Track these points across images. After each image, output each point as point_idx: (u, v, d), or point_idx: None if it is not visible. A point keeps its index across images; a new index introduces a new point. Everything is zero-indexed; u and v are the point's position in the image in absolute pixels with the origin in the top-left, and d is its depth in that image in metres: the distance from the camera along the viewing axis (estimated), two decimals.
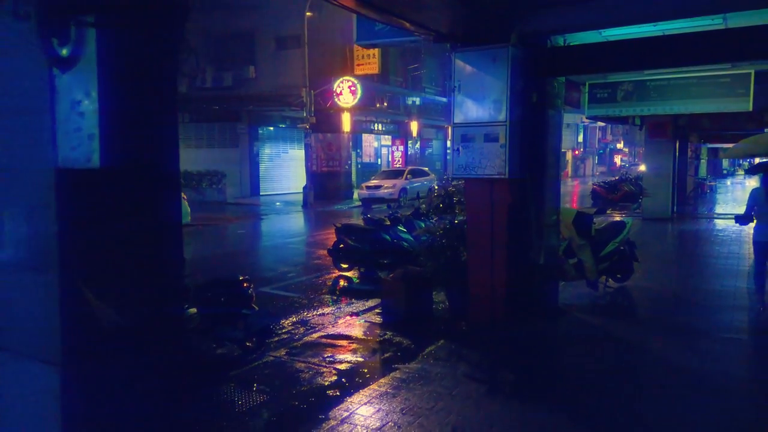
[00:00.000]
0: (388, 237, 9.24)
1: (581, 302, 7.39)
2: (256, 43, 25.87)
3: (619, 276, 8.13)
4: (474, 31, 6.19)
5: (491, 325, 6.24)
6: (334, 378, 5.01)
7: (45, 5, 2.58)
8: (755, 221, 7.05)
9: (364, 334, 6.31)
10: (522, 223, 6.36)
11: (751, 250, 7.41)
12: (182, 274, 3.58)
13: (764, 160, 8.81)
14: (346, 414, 4.21)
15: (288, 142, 28.67)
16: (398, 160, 32.91)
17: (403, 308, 6.56)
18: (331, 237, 9.81)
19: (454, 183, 7.71)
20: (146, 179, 2.75)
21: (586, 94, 11.91)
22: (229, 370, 5.20)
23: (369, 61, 24.59)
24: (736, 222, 7.32)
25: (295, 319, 6.95)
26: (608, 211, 17.52)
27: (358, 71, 24.56)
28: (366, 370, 5.20)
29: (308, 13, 21.75)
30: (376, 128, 30.58)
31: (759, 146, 10.54)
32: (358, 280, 9.34)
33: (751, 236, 7.19)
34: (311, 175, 23.45)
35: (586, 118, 15.60)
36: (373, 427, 3.99)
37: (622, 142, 70.97)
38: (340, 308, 7.48)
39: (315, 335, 6.26)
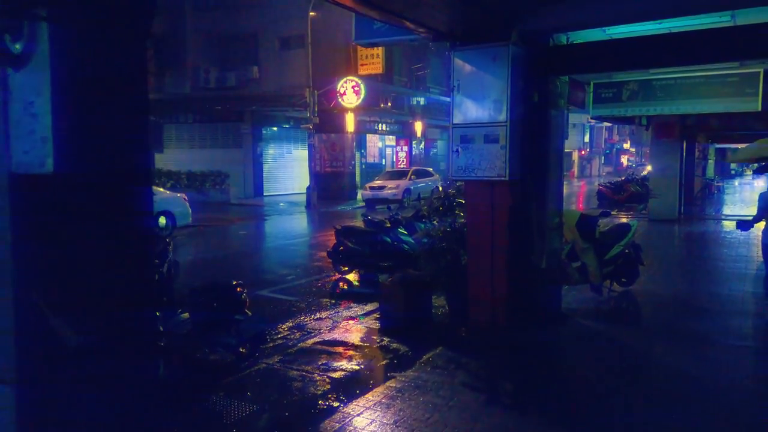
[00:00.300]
0: (388, 239, 9.08)
1: (585, 307, 7.21)
2: (259, 43, 25.73)
3: (624, 280, 7.93)
4: (474, 29, 6.04)
5: (491, 331, 6.08)
6: (328, 387, 4.86)
7: None
8: (764, 223, 6.85)
9: (361, 340, 6.16)
10: (523, 225, 6.20)
11: (760, 253, 7.22)
12: (152, 286, 3.40)
13: None
14: (337, 426, 4.07)
15: (291, 142, 28.55)
16: (403, 161, 32.77)
17: (401, 313, 6.41)
18: (333, 238, 9.66)
19: (458, 184, 7.52)
20: (108, 185, 2.57)
21: (591, 94, 11.71)
22: (220, 377, 5.05)
23: (373, 61, 24.44)
24: (737, 228, 7.07)
25: (291, 323, 6.80)
26: (614, 212, 17.30)
27: (362, 71, 24.42)
28: (361, 379, 5.04)
29: (312, 13, 21.61)
30: (380, 128, 30.43)
31: (765, 150, 10.31)
32: (357, 284, 9.19)
33: (760, 239, 7.00)
34: (315, 175, 23.28)
35: (591, 118, 15.39)
36: None
37: (628, 142, 70.52)
38: (338, 312, 7.33)
39: (310, 341, 6.12)
